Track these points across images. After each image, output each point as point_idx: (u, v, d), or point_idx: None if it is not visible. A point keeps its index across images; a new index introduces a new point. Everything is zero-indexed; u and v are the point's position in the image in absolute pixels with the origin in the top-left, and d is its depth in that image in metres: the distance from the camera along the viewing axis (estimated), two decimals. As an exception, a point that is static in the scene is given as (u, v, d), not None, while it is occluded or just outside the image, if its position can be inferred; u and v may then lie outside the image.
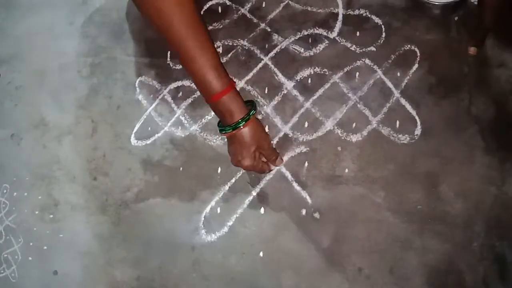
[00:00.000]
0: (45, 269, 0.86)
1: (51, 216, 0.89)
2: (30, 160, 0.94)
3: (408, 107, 0.83)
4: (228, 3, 0.98)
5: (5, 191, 0.92)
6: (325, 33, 0.91)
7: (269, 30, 0.94)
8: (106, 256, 0.85)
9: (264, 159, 0.80)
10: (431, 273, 0.74)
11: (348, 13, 0.91)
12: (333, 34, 0.90)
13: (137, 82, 0.95)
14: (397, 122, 0.83)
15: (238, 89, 0.89)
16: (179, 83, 0.93)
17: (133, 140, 0.91)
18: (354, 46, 0.88)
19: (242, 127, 0.74)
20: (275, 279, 0.78)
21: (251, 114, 0.75)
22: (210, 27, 0.95)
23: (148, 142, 0.91)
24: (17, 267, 0.87)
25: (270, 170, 0.82)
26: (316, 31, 0.91)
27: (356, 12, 0.91)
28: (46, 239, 0.88)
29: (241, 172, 0.85)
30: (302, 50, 0.91)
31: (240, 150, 0.76)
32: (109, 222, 0.87)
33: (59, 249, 0.87)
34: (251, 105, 0.78)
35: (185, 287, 0.81)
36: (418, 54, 0.85)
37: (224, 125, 0.75)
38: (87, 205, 0.89)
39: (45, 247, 0.87)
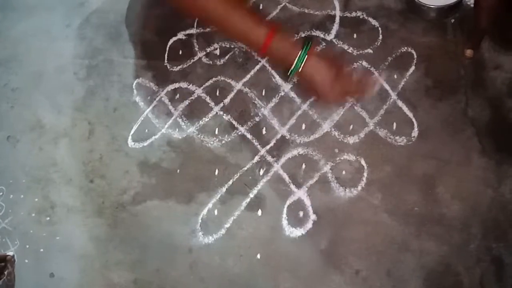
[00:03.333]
0: (41, 271, 0.85)
1: (48, 218, 0.89)
2: (26, 162, 0.93)
3: (405, 109, 0.83)
4: (225, 5, 0.98)
5: (1, 193, 0.92)
6: (322, 35, 0.91)
7: (266, 32, 0.94)
8: (102, 258, 0.84)
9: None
10: (428, 275, 0.74)
11: (345, 15, 0.91)
12: (330, 36, 0.91)
13: (134, 84, 0.95)
14: (394, 124, 0.83)
15: (235, 91, 0.90)
16: (176, 85, 0.93)
17: (130, 142, 0.91)
18: (351, 48, 0.89)
19: (309, 51, 0.73)
20: (272, 281, 0.78)
21: (310, 42, 0.74)
22: (207, 29, 0.95)
23: (145, 144, 0.90)
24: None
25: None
26: (313, 33, 0.91)
27: (353, 14, 0.91)
28: (43, 241, 0.87)
29: (238, 174, 0.84)
30: (299, 52, 0.91)
31: (323, 78, 0.74)
32: (105, 224, 0.86)
33: (56, 251, 0.87)
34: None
35: (182, 290, 0.81)
36: (415, 56, 0.86)
37: (292, 66, 0.74)
38: (84, 207, 0.88)
39: (42, 250, 0.87)
